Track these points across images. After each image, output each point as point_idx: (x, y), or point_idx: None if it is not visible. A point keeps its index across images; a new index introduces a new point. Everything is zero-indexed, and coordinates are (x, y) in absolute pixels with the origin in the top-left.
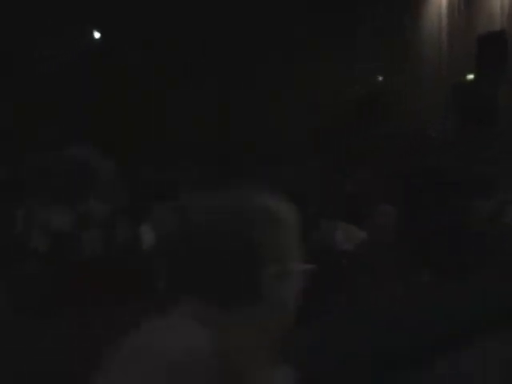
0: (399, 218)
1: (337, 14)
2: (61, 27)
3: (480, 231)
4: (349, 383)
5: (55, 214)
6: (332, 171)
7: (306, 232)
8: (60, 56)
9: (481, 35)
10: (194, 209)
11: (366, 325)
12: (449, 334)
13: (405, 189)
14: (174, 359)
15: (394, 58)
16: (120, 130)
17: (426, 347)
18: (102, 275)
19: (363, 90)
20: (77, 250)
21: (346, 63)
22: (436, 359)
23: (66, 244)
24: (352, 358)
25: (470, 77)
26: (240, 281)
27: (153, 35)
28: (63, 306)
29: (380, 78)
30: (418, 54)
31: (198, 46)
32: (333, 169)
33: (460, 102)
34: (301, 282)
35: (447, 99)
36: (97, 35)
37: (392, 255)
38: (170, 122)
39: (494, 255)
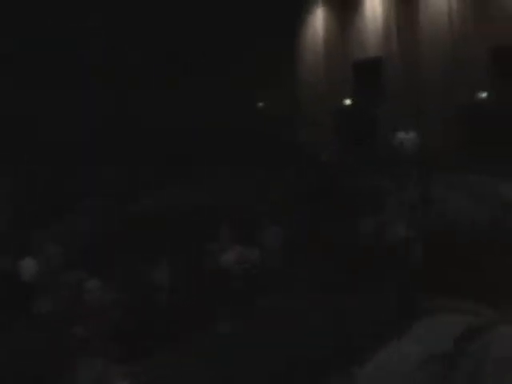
0: (288, 238)
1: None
2: None
3: (366, 247)
4: None
5: None
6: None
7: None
8: None
9: (357, 61)
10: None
11: (258, 344)
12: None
13: (294, 209)
14: None
15: (275, 84)
16: None
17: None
18: None
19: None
20: None
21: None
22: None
23: None
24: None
25: (349, 101)
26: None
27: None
28: None
29: (260, 104)
30: (299, 79)
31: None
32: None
33: (342, 125)
34: None
35: (332, 123)
36: None
37: (282, 274)
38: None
39: (377, 270)
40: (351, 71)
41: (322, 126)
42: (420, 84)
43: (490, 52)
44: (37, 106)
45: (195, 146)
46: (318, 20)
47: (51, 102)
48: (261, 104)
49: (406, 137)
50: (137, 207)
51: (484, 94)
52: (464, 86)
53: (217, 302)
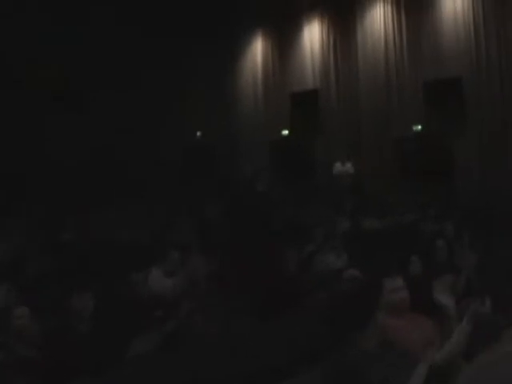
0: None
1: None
2: None
3: (292, 277)
4: None
5: None
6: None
7: None
8: None
9: (294, 93)
10: None
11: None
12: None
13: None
14: None
15: (213, 115)
16: None
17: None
18: None
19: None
20: None
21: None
22: None
23: None
24: None
25: (285, 132)
26: None
27: None
28: None
29: (198, 134)
30: (236, 111)
31: None
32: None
33: (277, 157)
34: None
35: (266, 154)
36: None
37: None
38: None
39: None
40: (288, 102)
41: (258, 157)
42: (356, 116)
43: (424, 85)
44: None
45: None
46: (257, 51)
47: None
48: (198, 135)
49: (342, 168)
50: (64, 235)
51: (418, 127)
52: (400, 118)
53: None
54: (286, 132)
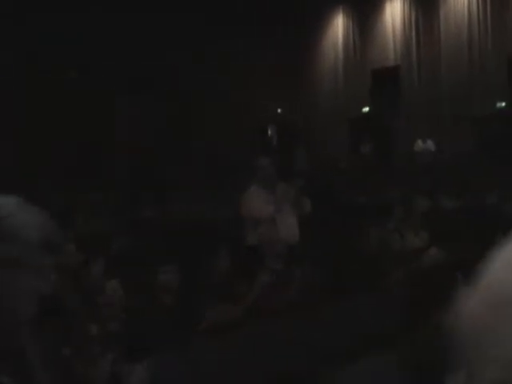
0: None
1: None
2: None
3: (374, 255)
4: None
5: None
6: None
7: None
8: None
9: (375, 69)
10: None
11: None
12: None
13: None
14: None
15: (293, 93)
16: None
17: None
18: None
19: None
20: None
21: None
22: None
23: None
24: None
25: (366, 110)
26: None
27: None
28: None
29: (279, 111)
30: (317, 88)
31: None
32: None
33: (356, 134)
34: None
35: (346, 131)
36: None
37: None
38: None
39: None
40: (369, 79)
41: (338, 134)
42: (437, 93)
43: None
44: None
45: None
46: (338, 28)
47: None
48: (279, 111)
49: (423, 146)
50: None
51: (502, 104)
52: (482, 95)
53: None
54: (366, 109)
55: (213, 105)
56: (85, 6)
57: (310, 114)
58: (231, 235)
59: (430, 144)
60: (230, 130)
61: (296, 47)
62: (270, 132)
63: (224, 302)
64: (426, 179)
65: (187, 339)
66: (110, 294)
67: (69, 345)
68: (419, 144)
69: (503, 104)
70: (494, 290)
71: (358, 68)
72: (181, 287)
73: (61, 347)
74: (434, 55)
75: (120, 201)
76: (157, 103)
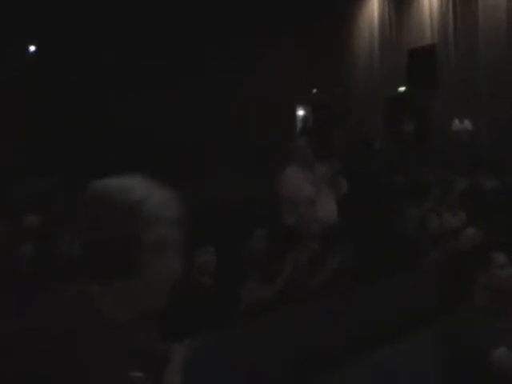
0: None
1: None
2: None
3: (411, 235)
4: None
5: None
6: None
7: None
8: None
9: (411, 48)
10: None
11: None
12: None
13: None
14: None
15: (328, 73)
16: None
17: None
18: None
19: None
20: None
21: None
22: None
23: None
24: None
25: (402, 89)
26: None
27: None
28: None
29: (314, 91)
30: (353, 67)
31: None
32: None
33: (392, 114)
34: None
35: (382, 111)
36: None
37: None
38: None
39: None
40: (405, 58)
41: (374, 114)
42: (475, 72)
43: None
44: None
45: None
46: (374, 6)
47: None
48: (314, 91)
49: (460, 125)
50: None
51: None
52: None
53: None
54: (402, 88)
55: (248, 85)
56: None
57: (346, 93)
58: (268, 216)
59: (468, 123)
60: (266, 110)
61: (331, 27)
62: (305, 112)
63: (261, 283)
64: (464, 159)
65: (225, 319)
66: None
67: None
68: (456, 123)
69: None
70: None
71: (393, 47)
72: (218, 268)
73: None
74: (472, 32)
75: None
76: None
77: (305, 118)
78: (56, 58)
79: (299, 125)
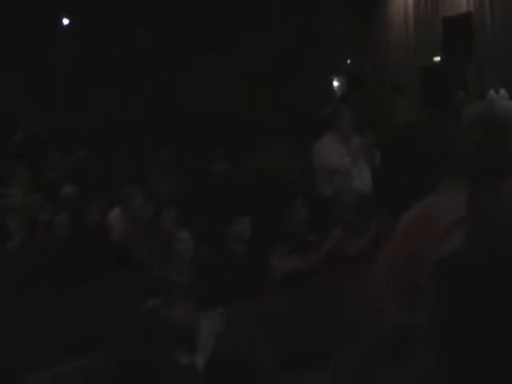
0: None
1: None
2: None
3: None
4: None
5: None
6: None
7: None
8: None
9: (446, 17)
10: None
11: None
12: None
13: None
14: None
15: (363, 43)
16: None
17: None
18: None
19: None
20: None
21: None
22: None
23: None
24: None
25: (437, 58)
26: None
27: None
28: None
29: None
30: (386, 38)
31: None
32: None
33: (427, 84)
34: None
35: (418, 81)
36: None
37: None
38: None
39: None
40: (440, 27)
41: (409, 84)
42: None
43: None
44: None
45: None
46: None
47: None
48: (348, 62)
49: (497, 96)
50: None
51: None
52: None
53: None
54: (437, 58)
55: (285, 55)
56: None
57: (381, 63)
58: (305, 186)
59: (503, 93)
60: (302, 80)
61: None
62: (341, 83)
63: (298, 253)
64: None
65: (259, 289)
66: (181, 243)
67: (152, 294)
68: (492, 93)
69: None
70: None
71: (428, 16)
72: (253, 238)
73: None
74: (509, 1)
75: (194, 153)
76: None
77: (341, 88)
78: None
79: (336, 95)
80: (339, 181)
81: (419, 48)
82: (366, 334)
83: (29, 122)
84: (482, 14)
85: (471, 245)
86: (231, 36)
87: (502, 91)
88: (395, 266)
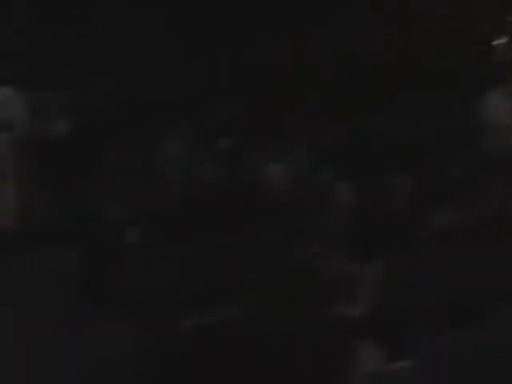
0: None
1: None
2: None
3: None
4: None
5: None
6: None
7: None
8: None
9: None
10: None
11: None
12: None
13: None
14: None
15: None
16: None
17: None
18: None
19: None
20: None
21: None
22: None
23: None
24: None
25: None
26: None
27: None
28: None
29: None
30: None
31: None
32: None
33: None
34: None
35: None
36: None
37: None
38: None
39: None
40: None
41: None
42: None
43: None
44: None
45: None
46: None
47: None
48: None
49: None
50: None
51: None
52: None
53: None
54: None
55: (440, 14)
56: None
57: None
58: (468, 143)
59: None
60: (459, 40)
61: None
62: (502, 42)
63: (455, 209)
64: None
65: (416, 243)
66: (341, 196)
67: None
68: None
69: None
70: None
71: None
72: (411, 192)
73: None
74: None
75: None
76: None
77: (503, 47)
78: None
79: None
80: (504, 138)
81: None
82: None
83: None
84: None
85: None
86: None
87: None
88: None
